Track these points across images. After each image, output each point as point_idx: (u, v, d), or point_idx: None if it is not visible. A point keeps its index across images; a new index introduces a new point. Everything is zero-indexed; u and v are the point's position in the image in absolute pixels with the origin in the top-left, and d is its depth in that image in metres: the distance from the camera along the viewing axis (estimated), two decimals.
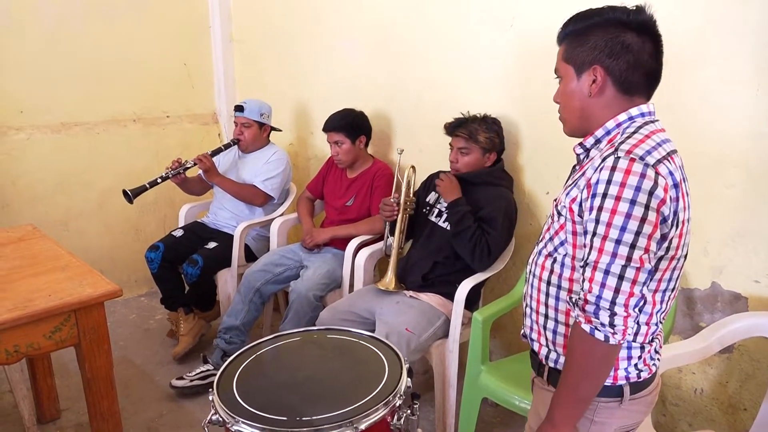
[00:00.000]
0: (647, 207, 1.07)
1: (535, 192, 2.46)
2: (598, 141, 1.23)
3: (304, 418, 1.24)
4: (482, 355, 2.14)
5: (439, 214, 2.44)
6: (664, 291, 1.19)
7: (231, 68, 3.89)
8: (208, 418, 1.33)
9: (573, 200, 1.18)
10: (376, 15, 2.94)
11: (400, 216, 2.48)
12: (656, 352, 1.26)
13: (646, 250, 1.08)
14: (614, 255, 1.07)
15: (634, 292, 1.08)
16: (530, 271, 1.34)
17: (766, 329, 1.77)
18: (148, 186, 2.90)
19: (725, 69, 1.84)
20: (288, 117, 3.51)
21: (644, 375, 1.24)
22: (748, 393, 1.96)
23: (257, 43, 3.72)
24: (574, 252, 1.20)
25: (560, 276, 1.24)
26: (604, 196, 1.09)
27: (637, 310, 1.10)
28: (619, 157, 1.09)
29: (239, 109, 3.10)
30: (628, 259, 1.07)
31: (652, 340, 1.23)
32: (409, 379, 1.38)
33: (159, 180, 2.94)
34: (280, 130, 3.31)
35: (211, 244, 3.06)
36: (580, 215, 1.16)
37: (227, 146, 3.16)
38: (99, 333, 1.95)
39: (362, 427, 1.23)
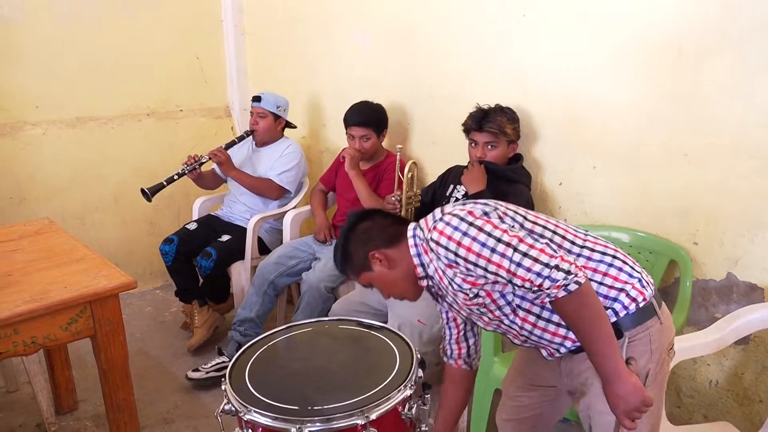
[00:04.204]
0: (476, 216, 1.29)
1: (549, 183, 2.45)
2: (429, 276, 1.42)
3: (315, 407, 1.25)
4: (495, 347, 2.13)
5: (456, 202, 2.43)
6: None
7: (243, 61, 3.90)
8: (221, 407, 1.35)
9: (463, 280, 1.30)
10: (388, 6, 2.93)
11: (402, 212, 2.47)
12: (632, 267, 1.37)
13: (505, 231, 1.24)
14: (503, 255, 1.21)
15: (532, 244, 1.21)
16: (519, 333, 1.39)
17: None
18: (165, 183, 2.93)
19: (740, 58, 1.81)
20: (300, 109, 3.51)
21: (650, 290, 1.35)
22: (764, 385, 1.94)
23: (269, 35, 3.72)
24: (503, 288, 1.31)
25: (530, 310, 1.34)
26: (455, 253, 1.26)
27: (556, 251, 1.22)
28: (430, 238, 1.31)
29: (257, 99, 3.12)
30: (507, 242, 1.22)
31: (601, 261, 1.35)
32: (420, 370, 1.38)
33: (176, 177, 2.96)
34: (295, 127, 3.31)
35: (225, 237, 3.07)
36: (470, 274, 1.28)
37: (241, 138, 3.17)
38: (114, 324, 1.98)
39: (373, 416, 1.23)
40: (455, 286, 1.32)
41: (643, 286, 1.34)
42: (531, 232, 1.32)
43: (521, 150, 2.45)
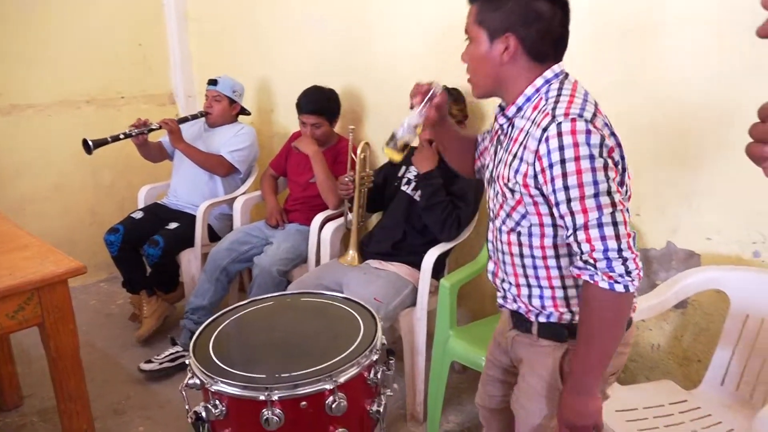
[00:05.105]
0: (603, 156, 1.11)
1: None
2: (519, 109, 1.25)
3: (283, 375, 1.25)
4: (450, 320, 2.19)
5: (408, 183, 2.47)
6: None
7: (187, 48, 3.83)
8: (185, 381, 1.33)
9: (525, 176, 1.18)
10: None
11: (356, 192, 2.50)
12: None
13: (619, 192, 1.12)
14: (599, 208, 1.10)
15: (628, 232, 1.12)
16: (496, 249, 1.35)
17: (718, 282, 1.87)
18: (110, 140, 2.84)
19: (682, 36, 1.90)
20: (248, 95, 3.46)
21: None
22: (701, 345, 2.06)
23: (214, 21, 3.67)
24: (540, 220, 1.22)
25: (531, 246, 1.26)
26: (563, 162, 1.11)
27: (635, 246, 1.13)
28: (560, 122, 1.11)
29: (213, 82, 3.10)
30: (612, 205, 1.10)
31: None
32: (383, 336, 1.41)
33: (122, 136, 2.88)
34: (249, 113, 3.29)
35: (173, 225, 3.02)
36: (537, 187, 1.18)
37: (194, 116, 3.13)
38: (64, 311, 1.92)
39: (341, 380, 1.25)
40: (510, 169, 1.21)
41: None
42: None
43: (472, 130, 2.50)
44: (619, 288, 1.11)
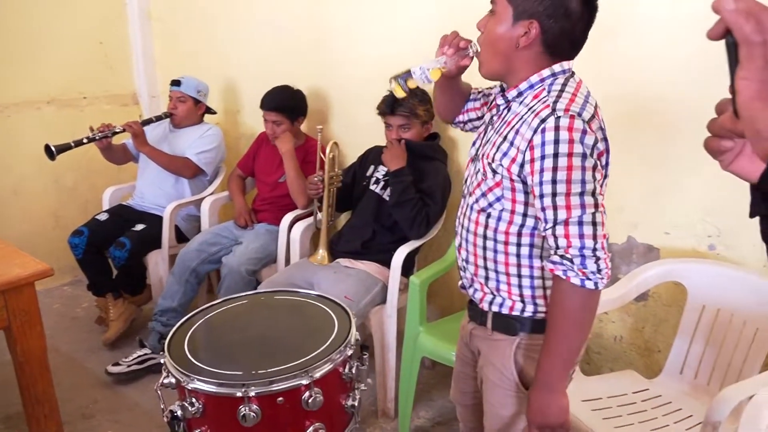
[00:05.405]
0: (594, 158, 1.15)
1: (464, 161, 2.56)
2: (520, 94, 1.25)
3: (259, 371, 1.27)
4: (420, 317, 2.22)
5: (377, 182, 2.50)
6: None
7: (150, 47, 3.78)
8: (160, 381, 1.33)
9: (512, 161, 1.20)
10: None
11: (326, 192, 2.51)
12: None
13: (601, 195, 1.17)
14: (582, 206, 1.13)
15: (605, 233, 1.16)
16: (462, 226, 1.37)
17: (676, 274, 1.95)
18: (73, 145, 2.80)
19: (646, 33, 1.97)
20: (214, 95, 3.44)
21: None
22: (661, 336, 2.14)
23: (178, 20, 3.63)
24: (513, 207, 1.24)
25: (495, 230, 1.28)
26: (556, 156, 1.12)
27: (608, 248, 1.17)
28: (559, 117, 1.13)
29: (176, 83, 3.06)
30: (595, 206, 1.14)
31: None
32: (357, 332, 1.43)
33: (85, 141, 2.85)
34: (215, 112, 3.27)
35: (139, 227, 2.98)
36: (520, 175, 1.20)
37: (159, 118, 3.10)
38: (30, 314, 1.90)
39: (317, 375, 1.27)
40: (498, 151, 1.23)
41: None
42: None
43: (438, 129, 2.54)
44: (590, 285, 1.14)
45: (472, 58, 1.32)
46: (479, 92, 1.52)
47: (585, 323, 1.21)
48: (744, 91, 0.55)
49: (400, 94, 1.38)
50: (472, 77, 1.46)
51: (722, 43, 0.57)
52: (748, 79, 0.54)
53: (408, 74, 1.35)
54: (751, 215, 0.59)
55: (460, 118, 1.55)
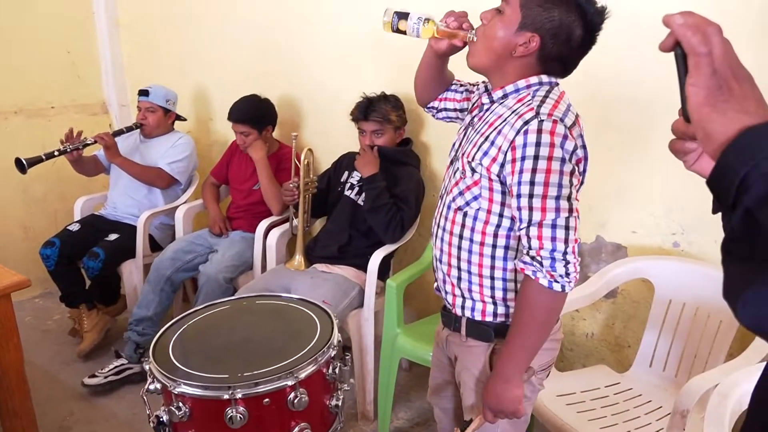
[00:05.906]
0: (573, 164, 1.19)
1: (437, 165, 2.62)
2: (505, 96, 1.29)
3: (245, 374, 1.29)
4: (398, 319, 2.26)
5: (351, 188, 2.53)
6: None
7: (119, 55, 3.76)
8: (146, 387, 1.34)
9: (493, 160, 1.22)
10: None
11: (301, 198, 2.53)
12: None
13: (577, 200, 1.20)
14: (557, 210, 1.16)
15: (576, 238, 1.19)
16: (438, 225, 1.38)
17: (643, 271, 2.03)
18: (44, 157, 2.77)
19: (606, 38, 2.04)
20: (185, 103, 3.45)
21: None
22: (630, 331, 2.21)
23: (147, 28, 3.62)
24: (489, 206, 1.26)
25: (472, 229, 1.30)
26: (536, 158, 1.15)
27: (578, 253, 1.20)
28: (543, 120, 1.17)
29: (144, 93, 3.03)
30: (569, 210, 1.17)
31: None
32: (339, 334, 1.47)
33: (56, 153, 2.82)
34: (185, 119, 3.26)
35: (113, 236, 2.96)
36: (500, 175, 1.22)
37: (129, 129, 3.08)
38: (7, 326, 1.89)
39: (302, 376, 1.30)
40: (479, 150, 1.25)
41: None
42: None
43: (410, 134, 2.59)
44: (557, 287, 1.18)
45: (465, 43, 1.32)
46: (461, 85, 1.54)
47: (548, 323, 1.25)
48: (693, 97, 0.61)
49: (386, 29, 1.32)
50: (456, 68, 1.48)
51: (672, 55, 0.62)
52: (697, 86, 0.60)
53: (405, 16, 1.29)
54: (714, 211, 0.64)
55: (436, 104, 1.55)
